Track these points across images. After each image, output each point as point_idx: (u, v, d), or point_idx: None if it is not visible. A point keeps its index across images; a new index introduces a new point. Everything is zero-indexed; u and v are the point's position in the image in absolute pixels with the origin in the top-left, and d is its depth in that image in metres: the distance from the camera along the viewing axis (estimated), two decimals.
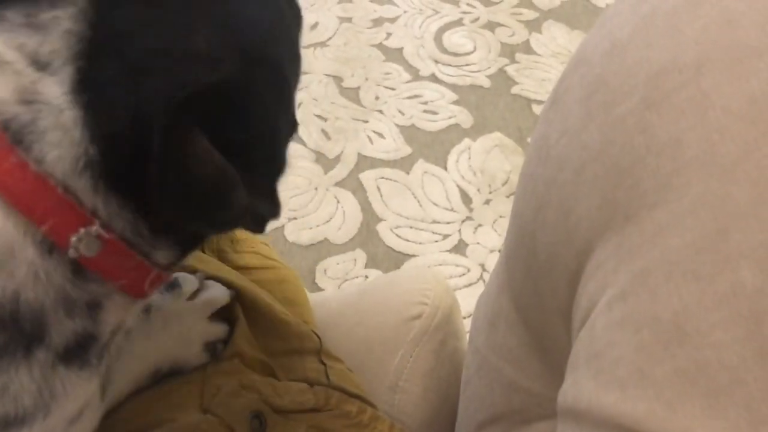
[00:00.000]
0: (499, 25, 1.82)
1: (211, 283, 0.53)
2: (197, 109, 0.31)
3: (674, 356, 0.25)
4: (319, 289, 1.22)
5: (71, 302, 0.32)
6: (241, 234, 0.63)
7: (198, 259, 0.55)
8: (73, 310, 0.33)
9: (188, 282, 0.52)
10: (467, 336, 0.56)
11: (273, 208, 0.37)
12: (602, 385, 0.28)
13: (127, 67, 0.31)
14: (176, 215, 0.34)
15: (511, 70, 1.69)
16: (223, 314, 0.53)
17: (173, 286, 0.51)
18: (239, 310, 0.53)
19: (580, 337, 0.31)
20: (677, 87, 0.28)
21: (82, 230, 0.31)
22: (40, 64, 0.30)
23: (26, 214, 0.30)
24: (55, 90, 0.30)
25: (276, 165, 0.37)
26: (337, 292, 1.07)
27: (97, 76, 0.31)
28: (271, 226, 0.39)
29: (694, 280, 0.25)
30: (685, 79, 0.28)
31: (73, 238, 0.31)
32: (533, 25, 1.83)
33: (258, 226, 0.37)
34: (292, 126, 0.39)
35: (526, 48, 1.75)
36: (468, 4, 1.88)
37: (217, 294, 0.52)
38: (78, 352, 0.33)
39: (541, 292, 0.38)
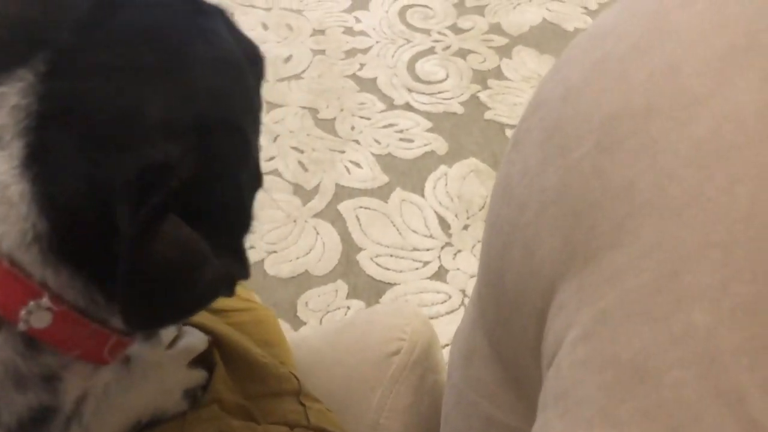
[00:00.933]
0: (471, 52, 1.85)
1: (188, 329, 0.53)
2: (159, 184, 0.31)
3: (635, 396, 0.26)
4: (302, 322, 1.22)
5: (21, 377, 0.32)
6: None
7: None
8: (25, 385, 0.32)
9: (167, 329, 0.52)
10: (447, 367, 0.57)
11: (241, 269, 0.37)
12: (570, 425, 0.29)
13: (78, 141, 0.31)
14: (145, 303, 0.33)
15: (483, 96, 1.71)
16: (201, 359, 0.53)
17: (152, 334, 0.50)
18: (217, 355, 0.53)
19: (548, 376, 0.32)
20: (628, 132, 0.29)
21: (31, 303, 0.31)
22: None
23: None
24: (3, 166, 0.30)
25: (242, 223, 0.37)
26: (316, 330, 1.07)
27: (47, 150, 0.30)
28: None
29: (650, 321, 0.26)
30: (636, 124, 0.29)
31: (23, 312, 0.31)
32: (504, 51, 1.86)
33: (228, 290, 0.37)
34: (256, 180, 0.38)
35: (498, 74, 1.78)
36: (439, 33, 1.91)
37: (195, 341, 0.52)
38: (35, 427, 0.33)
39: (512, 328, 0.38)
